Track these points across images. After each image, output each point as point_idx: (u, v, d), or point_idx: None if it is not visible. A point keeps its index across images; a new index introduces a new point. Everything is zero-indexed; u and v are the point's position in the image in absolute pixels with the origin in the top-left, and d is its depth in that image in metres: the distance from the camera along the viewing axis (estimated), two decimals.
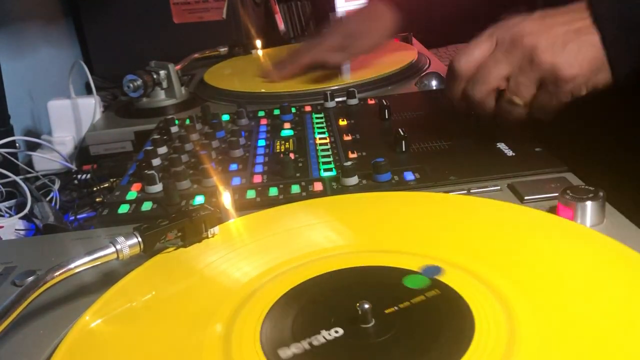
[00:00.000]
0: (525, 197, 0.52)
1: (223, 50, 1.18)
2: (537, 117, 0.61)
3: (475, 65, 0.61)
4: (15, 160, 0.83)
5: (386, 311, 0.37)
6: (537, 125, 0.83)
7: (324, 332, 0.35)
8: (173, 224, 0.46)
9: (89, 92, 1.05)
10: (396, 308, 0.37)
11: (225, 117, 0.83)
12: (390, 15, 0.94)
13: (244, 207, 0.56)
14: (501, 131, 0.66)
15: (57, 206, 0.71)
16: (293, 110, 0.83)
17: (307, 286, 0.41)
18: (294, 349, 0.34)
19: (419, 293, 0.38)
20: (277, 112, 0.82)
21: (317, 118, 0.80)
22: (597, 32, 0.57)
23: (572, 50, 0.57)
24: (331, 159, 0.65)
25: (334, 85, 0.91)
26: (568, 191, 0.47)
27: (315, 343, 0.35)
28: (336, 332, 0.35)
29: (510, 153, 0.61)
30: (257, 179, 0.62)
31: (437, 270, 0.40)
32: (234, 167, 0.66)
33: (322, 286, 0.41)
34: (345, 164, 0.59)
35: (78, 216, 0.66)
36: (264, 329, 0.37)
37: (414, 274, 0.40)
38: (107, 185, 0.73)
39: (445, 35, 1.05)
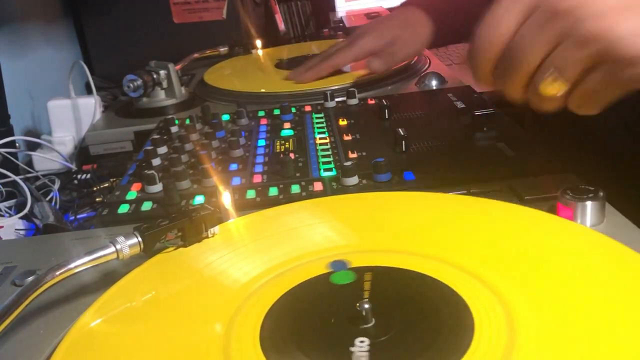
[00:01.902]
0: (525, 197, 0.52)
1: (223, 50, 1.18)
2: (579, 109, 0.46)
3: (505, 41, 0.45)
4: (15, 160, 0.83)
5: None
6: (537, 125, 0.83)
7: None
8: (173, 224, 0.46)
9: (89, 92, 1.05)
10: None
11: (225, 117, 0.83)
12: (429, 23, 0.91)
13: (244, 207, 0.56)
14: (501, 131, 0.66)
15: (57, 206, 0.71)
16: (293, 110, 0.83)
17: (307, 286, 0.41)
18: None
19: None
20: (277, 112, 0.82)
21: (317, 118, 0.80)
22: None
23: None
24: (331, 159, 0.65)
25: (334, 85, 0.91)
26: (568, 191, 0.47)
27: None
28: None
29: (510, 153, 0.61)
30: (257, 178, 0.62)
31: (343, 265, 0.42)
32: (234, 167, 0.66)
33: (322, 286, 0.41)
34: (345, 164, 0.59)
35: (78, 216, 0.67)
36: (264, 329, 0.37)
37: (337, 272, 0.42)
38: (107, 185, 0.74)
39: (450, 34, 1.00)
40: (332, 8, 1.79)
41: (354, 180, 0.58)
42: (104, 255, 0.42)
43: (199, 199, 0.58)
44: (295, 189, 0.59)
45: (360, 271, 0.42)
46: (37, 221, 0.66)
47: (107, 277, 0.45)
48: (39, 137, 0.90)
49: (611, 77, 0.42)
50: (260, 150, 0.70)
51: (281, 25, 1.63)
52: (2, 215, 0.69)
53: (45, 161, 0.86)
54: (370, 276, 0.41)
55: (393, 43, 0.91)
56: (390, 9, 1.57)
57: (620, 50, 0.40)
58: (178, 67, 0.98)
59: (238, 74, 1.10)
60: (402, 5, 0.98)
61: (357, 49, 0.92)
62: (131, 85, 0.89)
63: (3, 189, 0.75)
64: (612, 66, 0.41)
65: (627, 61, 0.40)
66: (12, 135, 0.86)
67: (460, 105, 0.77)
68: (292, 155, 0.66)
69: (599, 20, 0.40)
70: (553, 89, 0.43)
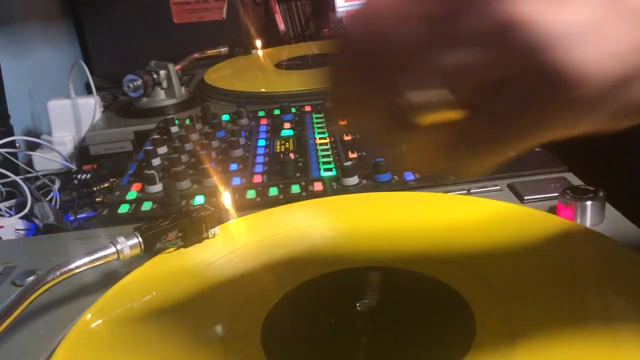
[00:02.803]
0: (525, 197, 0.52)
1: (223, 50, 1.18)
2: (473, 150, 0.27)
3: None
4: (15, 160, 0.83)
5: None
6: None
7: None
8: (173, 224, 0.46)
9: (89, 92, 1.05)
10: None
11: (225, 117, 0.83)
12: None
13: (244, 207, 0.56)
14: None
15: (57, 206, 0.71)
16: (293, 110, 0.83)
17: (307, 286, 0.41)
18: None
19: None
20: (277, 112, 0.82)
21: (317, 118, 0.80)
22: None
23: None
24: (331, 159, 0.65)
25: None
26: (568, 191, 0.47)
27: None
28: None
29: (510, 153, 0.61)
30: (257, 179, 0.62)
31: None
32: (234, 167, 0.66)
33: (322, 286, 0.41)
34: (345, 164, 0.59)
35: (78, 216, 0.67)
36: (265, 330, 0.37)
37: None
38: (107, 185, 0.74)
39: None
40: (332, 8, 1.79)
41: (354, 180, 0.58)
42: (105, 256, 0.42)
43: (199, 199, 0.58)
44: (295, 189, 0.59)
45: (360, 271, 0.42)
46: (37, 221, 0.66)
47: (108, 277, 0.45)
48: (39, 137, 0.90)
49: (537, 99, 0.23)
50: (260, 150, 0.70)
51: (281, 25, 1.63)
52: (2, 215, 0.69)
53: (45, 161, 0.86)
54: (370, 276, 0.41)
55: None
56: None
57: (552, 55, 0.22)
58: (178, 67, 0.98)
59: (238, 74, 1.10)
60: None
61: None
62: (131, 85, 0.89)
63: (3, 189, 0.75)
64: (537, 80, 0.23)
65: (564, 77, 0.22)
66: (12, 135, 0.86)
67: None
68: (292, 155, 0.66)
69: (519, 3, 0.22)
70: (433, 117, 0.26)
